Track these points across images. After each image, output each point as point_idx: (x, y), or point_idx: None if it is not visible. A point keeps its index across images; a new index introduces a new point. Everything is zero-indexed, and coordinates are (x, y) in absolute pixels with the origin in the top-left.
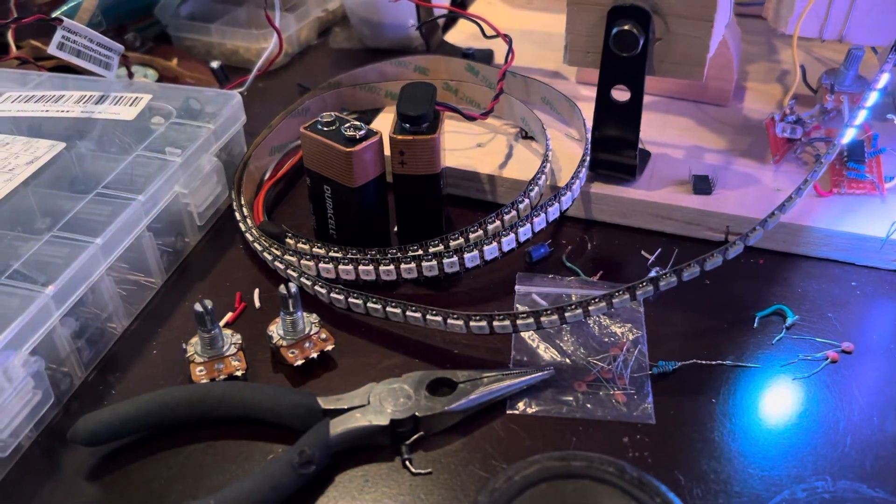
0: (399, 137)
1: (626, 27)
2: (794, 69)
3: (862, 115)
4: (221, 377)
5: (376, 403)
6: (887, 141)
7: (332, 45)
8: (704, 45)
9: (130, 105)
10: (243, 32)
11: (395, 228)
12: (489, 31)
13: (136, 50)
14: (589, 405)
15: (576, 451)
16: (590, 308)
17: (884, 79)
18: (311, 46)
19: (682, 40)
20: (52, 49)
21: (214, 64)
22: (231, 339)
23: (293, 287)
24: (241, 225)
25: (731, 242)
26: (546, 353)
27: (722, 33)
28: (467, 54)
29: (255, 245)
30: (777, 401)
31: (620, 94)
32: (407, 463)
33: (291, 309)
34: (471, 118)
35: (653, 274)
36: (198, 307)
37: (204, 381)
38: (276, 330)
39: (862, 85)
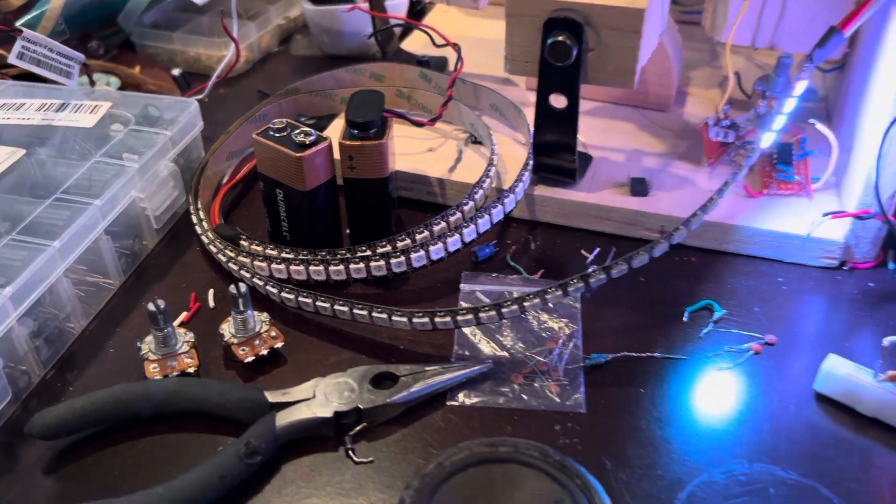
0: (348, 143)
1: (560, 38)
2: (730, 76)
3: (780, 121)
4: (174, 374)
5: (321, 397)
6: (815, 144)
7: (292, 52)
8: (634, 55)
9: (90, 112)
10: (205, 40)
11: (347, 231)
12: (439, 41)
13: (99, 58)
14: (524, 396)
15: (504, 438)
16: (525, 304)
17: (800, 86)
18: (273, 53)
19: (613, 50)
20: (12, 59)
21: (176, 71)
22: (184, 338)
23: (243, 287)
24: (197, 228)
25: (657, 241)
26: (487, 347)
27: (655, 43)
28: (421, 62)
29: (211, 247)
30: (702, 390)
31: (558, 101)
32: (350, 452)
33: (242, 308)
34: (419, 124)
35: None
36: (151, 307)
37: (157, 377)
38: (227, 328)
39: (791, 90)
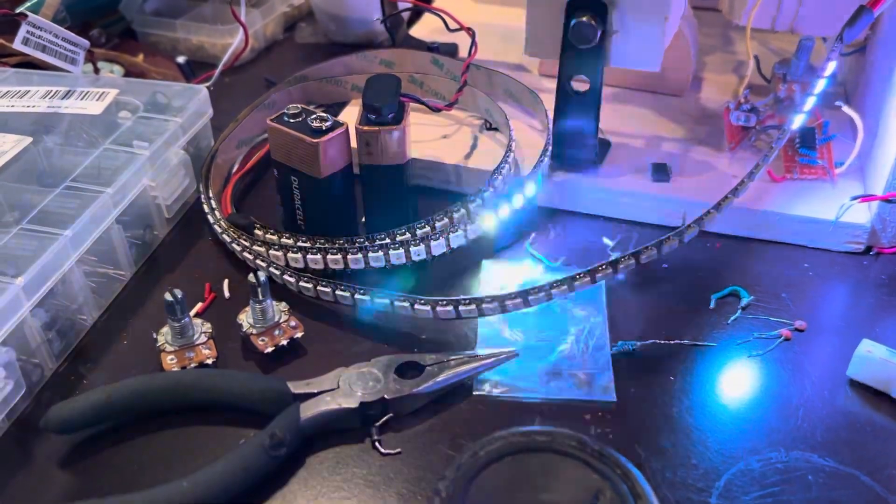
0: (365, 128)
1: (583, 19)
2: (749, 60)
3: (811, 102)
4: (192, 365)
5: (346, 387)
6: (837, 128)
7: (297, 40)
8: (659, 38)
9: (97, 100)
10: (208, 28)
11: (363, 219)
12: (452, 25)
13: (101, 46)
14: (552, 385)
15: (539, 427)
16: (552, 292)
17: (830, 66)
18: (277, 41)
19: (638, 32)
20: (17, 44)
21: (181, 59)
22: (201, 328)
23: (262, 275)
24: (209, 217)
25: (687, 226)
26: (511, 335)
27: (677, 25)
28: (432, 48)
29: (224, 236)
30: (733, 377)
31: (580, 85)
32: (376, 444)
33: (261, 297)
34: (435, 109)
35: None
36: (168, 296)
37: (175, 369)
38: (245, 318)
39: (812, 74)
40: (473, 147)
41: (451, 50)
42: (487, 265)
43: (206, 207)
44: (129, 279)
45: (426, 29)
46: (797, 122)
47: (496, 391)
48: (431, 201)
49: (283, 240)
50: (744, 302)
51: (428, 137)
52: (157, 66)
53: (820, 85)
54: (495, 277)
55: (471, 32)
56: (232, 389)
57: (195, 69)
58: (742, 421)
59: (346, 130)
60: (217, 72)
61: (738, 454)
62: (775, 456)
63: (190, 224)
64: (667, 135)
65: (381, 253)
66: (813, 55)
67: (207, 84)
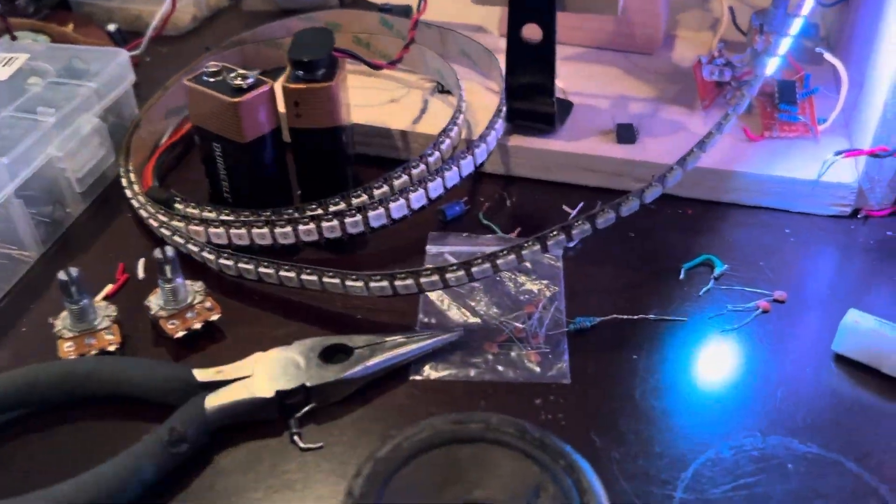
0: (292, 86)
1: None
2: (723, 10)
3: (786, 44)
4: (92, 352)
5: (262, 374)
6: (820, 81)
7: (244, 8)
8: None
9: (3, 65)
10: None
11: (299, 192)
12: None
13: (29, 16)
14: (500, 367)
15: (473, 413)
16: (498, 262)
17: (808, 4)
18: (223, 9)
19: None
20: None
21: (111, 27)
22: (104, 312)
23: (169, 251)
24: (127, 191)
25: (648, 185)
26: (457, 314)
27: None
28: (383, 9)
29: (142, 212)
30: (704, 355)
31: (533, 33)
32: (295, 438)
33: (169, 275)
34: (376, 67)
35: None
36: (62, 275)
37: (73, 356)
38: (155, 300)
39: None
40: (424, 111)
41: (406, 11)
42: (434, 238)
43: (124, 181)
44: (34, 261)
45: None
46: (771, 66)
47: (436, 374)
48: (378, 171)
49: (204, 213)
50: (717, 272)
51: (374, 101)
52: (88, 36)
53: (796, 25)
54: (443, 251)
55: None
56: (132, 378)
57: (130, 39)
58: (714, 403)
59: (271, 89)
60: (145, 39)
61: (709, 441)
62: (750, 442)
63: (109, 200)
64: (635, 94)
65: (312, 225)
66: (793, 4)
67: (138, 52)
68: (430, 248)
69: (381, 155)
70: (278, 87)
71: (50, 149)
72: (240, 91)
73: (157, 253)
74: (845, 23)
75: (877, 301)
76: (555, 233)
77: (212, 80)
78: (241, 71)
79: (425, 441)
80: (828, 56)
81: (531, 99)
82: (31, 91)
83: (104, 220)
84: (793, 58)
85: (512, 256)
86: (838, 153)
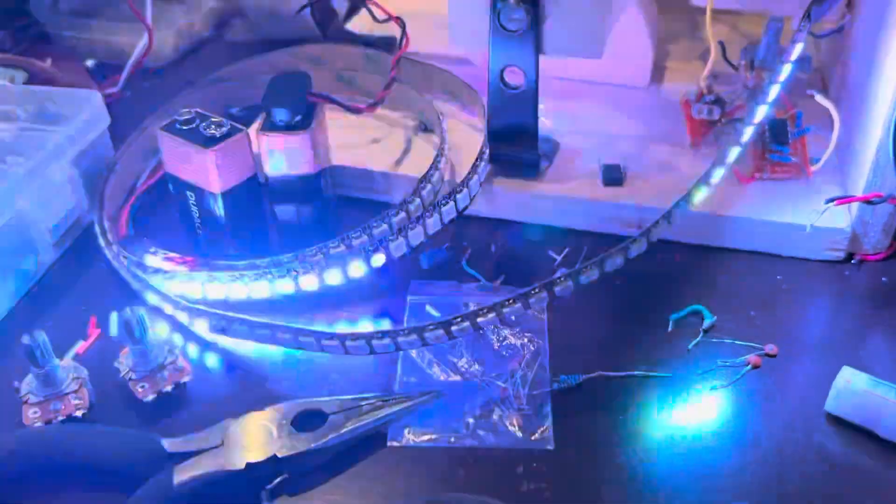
0: (267, 135)
1: (510, 1)
2: (712, 44)
3: (775, 91)
4: (59, 418)
5: (231, 444)
6: (812, 120)
7: (227, 39)
8: (598, 21)
9: None
10: (127, 27)
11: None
12: (381, 15)
13: (6, 51)
14: (481, 431)
15: (444, 496)
16: (478, 320)
17: (797, 49)
18: (206, 40)
19: (576, 14)
20: None
21: (89, 62)
22: (73, 374)
23: (138, 311)
24: (101, 240)
25: (633, 240)
26: (437, 371)
27: (625, 6)
28: (368, 42)
29: (115, 263)
30: (693, 415)
31: (515, 78)
32: None
33: (137, 336)
34: (355, 111)
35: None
36: (26, 340)
37: (38, 424)
38: (125, 361)
39: (782, 59)
40: (406, 151)
41: (391, 43)
42: (416, 287)
43: (97, 229)
44: (2, 316)
45: (366, 21)
46: (759, 114)
47: (414, 440)
48: (361, 214)
49: (177, 267)
50: (706, 323)
51: (356, 142)
52: (67, 72)
53: (786, 71)
54: (424, 301)
55: (399, 22)
56: (97, 449)
57: (111, 74)
58: (702, 469)
59: (245, 137)
60: (124, 74)
61: None
62: None
63: (83, 249)
64: (623, 132)
65: (289, 280)
66: (784, 38)
67: (115, 89)
68: (412, 298)
69: (364, 197)
70: (253, 132)
71: (20, 200)
72: (212, 141)
73: (126, 313)
74: (840, 56)
75: (872, 354)
76: (537, 290)
77: (185, 127)
78: (215, 118)
79: None
80: (819, 98)
81: (514, 142)
82: (0, 139)
83: (77, 269)
84: (784, 94)
85: (493, 315)
86: (829, 200)
